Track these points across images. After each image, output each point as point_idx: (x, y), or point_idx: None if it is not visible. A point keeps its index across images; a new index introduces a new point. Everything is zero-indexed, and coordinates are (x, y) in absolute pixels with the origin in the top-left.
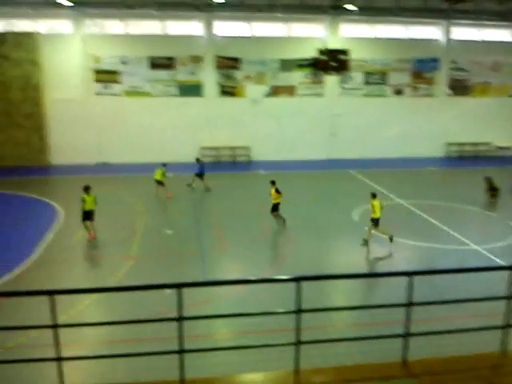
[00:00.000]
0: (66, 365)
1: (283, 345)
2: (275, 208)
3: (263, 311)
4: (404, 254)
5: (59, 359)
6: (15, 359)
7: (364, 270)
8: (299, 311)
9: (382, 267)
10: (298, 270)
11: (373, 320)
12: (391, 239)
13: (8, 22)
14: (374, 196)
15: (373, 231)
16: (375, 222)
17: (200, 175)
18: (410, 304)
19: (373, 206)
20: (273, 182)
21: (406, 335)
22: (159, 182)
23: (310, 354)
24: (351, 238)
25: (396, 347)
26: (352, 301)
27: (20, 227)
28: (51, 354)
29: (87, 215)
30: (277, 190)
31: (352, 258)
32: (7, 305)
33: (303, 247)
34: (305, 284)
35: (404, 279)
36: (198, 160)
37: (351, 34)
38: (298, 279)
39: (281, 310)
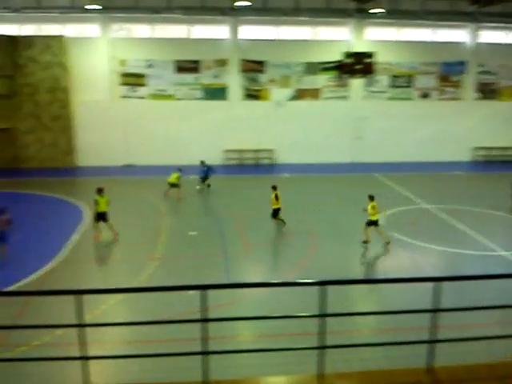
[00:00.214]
0: (90, 364)
1: (308, 348)
2: (275, 214)
3: (286, 314)
4: (430, 259)
5: (85, 358)
6: (41, 357)
7: (388, 275)
8: (324, 315)
9: (407, 273)
10: (321, 274)
11: (398, 325)
12: (365, 242)
13: (37, 26)
14: (372, 198)
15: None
16: (374, 223)
17: (204, 178)
18: (435, 310)
19: (373, 208)
20: (274, 187)
21: (432, 341)
22: (174, 185)
23: (333, 358)
24: (375, 242)
25: (421, 353)
26: (377, 306)
27: (46, 227)
28: (75, 352)
29: (100, 216)
30: (276, 196)
31: (375, 263)
32: (32, 304)
33: (327, 251)
34: (328, 288)
35: (430, 285)
36: (202, 163)
37: (377, 37)
38: (323, 283)
39: (305, 314)
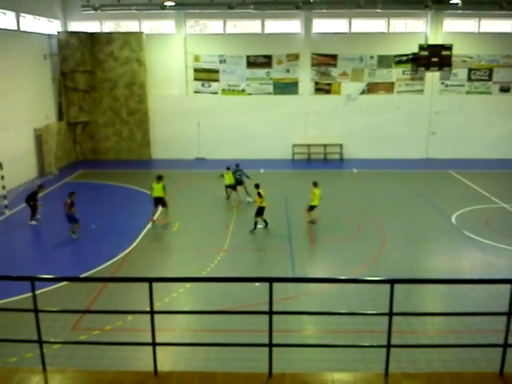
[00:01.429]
0: (157, 349)
1: (375, 347)
2: (260, 212)
3: (352, 311)
4: (505, 260)
5: (155, 344)
6: (113, 342)
7: (460, 275)
8: (392, 314)
9: (479, 274)
10: (389, 272)
11: (467, 327)
12: (312, 222)
13: (116, 23)
14: (315, 185)
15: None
16: (311, 208)
17: (238, 183)
18: (510, 313)
19: (313, 194)
20: (256, 186)
21: (505, 345)
22: (231, 186)
23: (399, 358)
24: (449, 243)
25: (492, 357)
26: (445, 307)
27: (121, 216)
28: (144, 338)
29: (155, 201)
30: (259, 194)
31: (447, 263)
32: (106, 290)
33: (396, 250)
34: (397, 287)
35: (502, 287)
36: (237, 166)
37: (455, 28)
38: (392, 281)
39: (372, 312)
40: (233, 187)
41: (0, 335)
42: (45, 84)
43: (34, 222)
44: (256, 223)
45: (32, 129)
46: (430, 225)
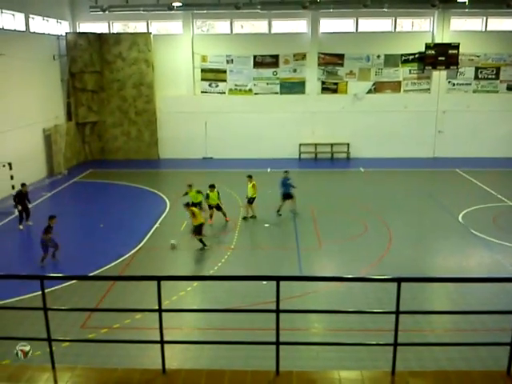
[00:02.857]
0: (165, 347)
1: (381, 345)
2: (199, 231)
3: (359, 310)
4: None
5: (163, 342)
6: (121, 340)
7: (467, 274)
8: (398, 312)
9: (487, 272)
10: (394, 271)
11: (473, 326)
12: (244, 219)
13: (124, 24)
14: (250, 177)
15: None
16: (250, 201)
17: (286, 196)
18: None
19: (253, 187)
20: (187, 204)
21: None
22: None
23: (406, 356)
24: (456, 241)
25: (500, 356)
26: (452, 305)
27: (130, 216)
28: (152, 336)
29: (215, 207)
30: (193, 214)
31: (454, 262)
32: (115, 288)
33: (403, 248)
34: (404, 285)
35: (510, 286)
36: (286, 173)
37: (461, 27)
38: (399, 280)
39: (379, 310)
40: (194, 205)
41: (9, 333)
42: (54, 85)
43: (30, 223)
44: (203, 242)
45: (41, 129)
46: (436, 223)
